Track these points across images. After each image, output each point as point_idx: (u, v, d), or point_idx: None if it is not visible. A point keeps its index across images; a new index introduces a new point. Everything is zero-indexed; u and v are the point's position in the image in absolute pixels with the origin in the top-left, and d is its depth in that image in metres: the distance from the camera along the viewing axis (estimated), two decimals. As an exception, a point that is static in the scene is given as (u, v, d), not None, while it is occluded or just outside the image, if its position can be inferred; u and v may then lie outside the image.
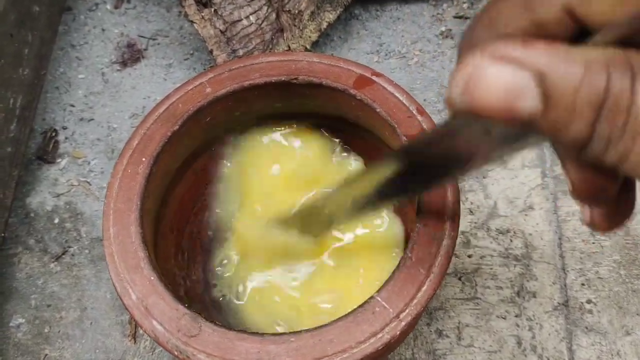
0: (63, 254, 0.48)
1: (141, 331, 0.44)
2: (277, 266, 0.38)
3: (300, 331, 0.28)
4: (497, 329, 0.43)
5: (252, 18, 0.50)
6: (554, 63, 0.15)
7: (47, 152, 0.52)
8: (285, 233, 0.38)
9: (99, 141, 0.52)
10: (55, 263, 0.47)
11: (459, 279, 0.45)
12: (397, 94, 0.35)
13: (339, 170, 0.40)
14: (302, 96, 0.38)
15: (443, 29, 0.57)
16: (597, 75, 0.15)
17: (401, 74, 0.54)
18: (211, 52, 0.50)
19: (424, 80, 0.54)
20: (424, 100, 0.53)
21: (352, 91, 0.36)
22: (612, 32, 0.16)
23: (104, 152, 0.52)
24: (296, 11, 0.51)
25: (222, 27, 0.50)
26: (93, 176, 0.51)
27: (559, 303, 0.44)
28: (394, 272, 0.30)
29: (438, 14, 0.57)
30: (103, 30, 0.58)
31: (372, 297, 0.29)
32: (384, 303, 0.29)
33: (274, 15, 0.51)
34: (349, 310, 0.29)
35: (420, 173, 0.29)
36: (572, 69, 0.15)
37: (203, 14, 0.49)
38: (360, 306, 0.29)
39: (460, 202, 0.33)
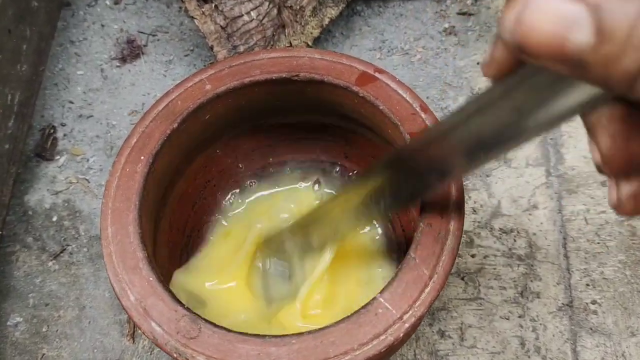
0: (61, 252, 0.47)
1: (139, 331, 0.43)
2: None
3: (302, 333, 0.28)
4: (501, 329, 0.43)
5: (253, 14, 0.49)
6: None
7: (45, 149, 0.51)
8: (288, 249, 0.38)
9: (97, 138, 0.52)
10: (54, 261, 0.47)
11: (462, 278, 0.44)
12: (400, 91, 0.35)
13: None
14: (303, 93, 0.37)
15: (446, 25, 0.56)
16: None
17: (404, 71, 0.54)
18: (212, 48, 0.49)
19: (427, 77, 0.53)
20: (427, 97, 0.52)
21: (355, 88, 0.35)
22: None
23: (102, 149, 0.51)
24: (298, 7, 0.51)
25: (222, 23, 0.49)
26: (92, 173, 0.50)
27: (563, 304, 0.43)
28: (397, 273, 0.29)
29: (441, 10, 0.57)
30: (102, 26, 0.57)
31: (374, 298, 0.29)
32: (387, 304, 0.28)
33: (275, 11, 0.50)
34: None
35: (406, 182, 0.29)
36: (629, 3, 0.14)
37: (203, 10, 0.49)
38: (362, 307, 0.29)
39: (464, 203, 0.32)
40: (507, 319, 0.43)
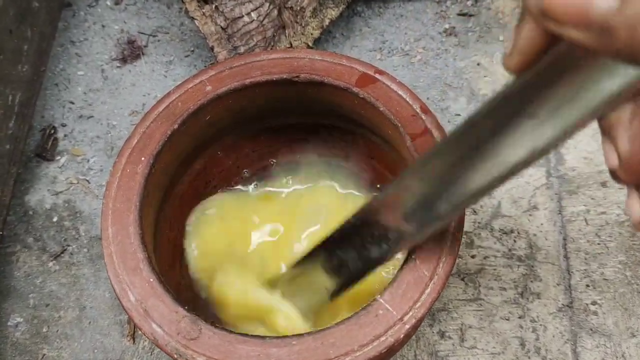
0: (62, 252, 0.47)
1: (140, 332, 0.43)
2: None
3: (303, 334, 0.28)
4: (501, 330, 0.43)
5: (253, 15, 0.49)
6: None
7: (46, 150, 0.51)
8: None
9: (98, 139, 0.52)
10: (54, 262, 0.47)
11: (462, 279, 0.44)
12: (400, 92, 0.35)
13: None
14: (303, 94, 0.37)
15: (447, 26, 0.56)
16: None
17: (404, 72, 0.54)
18: (212, 49, 0.49)
19: (427, 78, 0.53)
20: (427, 98, 0.52)
21: (355, 89, 0.35)
22: None
23: (103, 149, 0.51)
24: (298, 8, 0.51)
25: (223, 24, 0.49)
26: (92, 174, 0.50)
27: (563, 304, 0.43)
28: (397, 274, 0.29)
29: (442, 11, 0.57)
30: (103, 26, 0.57)
31: (375, 300, 0.29)
32: (387, 305, 0.28)
33: (275, 12, 0.50)
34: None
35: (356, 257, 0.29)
36: None
37: (204, 11, 0.49)
38: (363, 309, 0.29)
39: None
40: (507, 320, 0.43)
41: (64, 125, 0.53)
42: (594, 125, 0.53)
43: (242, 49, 0.50)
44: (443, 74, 0.53)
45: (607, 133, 0.20)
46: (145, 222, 0.33)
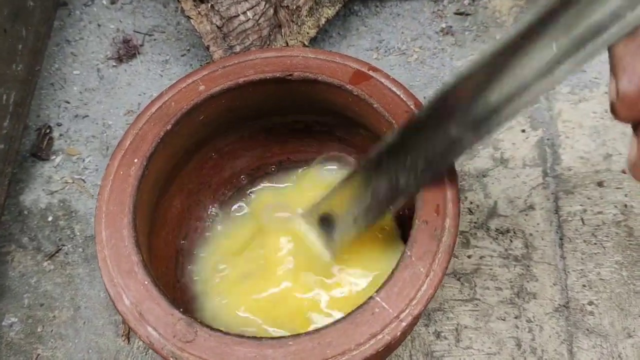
0: (57, 252, 0.47)
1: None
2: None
3: (299, 334, 0.28)
4: (497, 330, 0.42)
5: (249, 14, 0.49)
6: None
7: (41, 149, 0.51)
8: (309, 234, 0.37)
9: (93, 138, 0.52)
10: (49, 261, 0.47)
11: (458, 279, 0.44)
12: (394, 89, 0.35)
13: None
14: (297, 92, 0.37)
15: (443, 25, 0.56)
16: None
17: (401, 71, 0.54)
18: (208, 48, 0.49)
19: (424, 77, 0.53)
20: (424, 97, 0.52)
21: (349, 87, 0.35)
22: None
23: (98, 149, 0.51)
24: (294, 7, 0.51)
25: (218, 23, 0.49)
26: (87, 174, 0.50)
27: (559, 304, 0.43)
28: (393, 271, 0.29)
29: (439, 10, 0.57)
30: (99, 25, 0.57)
31: (371, 298, 0.29)
32: (383, 303, 0.28)
33: (271, 11, 0.50)
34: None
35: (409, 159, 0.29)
36: None
37: (200, 10, 0.49)
38: (359, 307, 0.28)
39: (460, 201, 0.32)
40: (503, 320, 0.43)
41: (59, 125, 0.53)
42: (590, 126, 0.52)
43: (237, 48, 0.50)
44: (440, 74, 0.53)
45: (613, 66, 0.20)
46: (139, 225, 0.33)
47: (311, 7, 0.51)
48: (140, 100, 0.53)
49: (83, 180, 0.50)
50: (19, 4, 0.48)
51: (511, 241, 0.46)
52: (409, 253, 0.30)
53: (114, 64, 0.55)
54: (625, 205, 0.46)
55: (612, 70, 0.20)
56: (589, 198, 0.47)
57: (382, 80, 0.35)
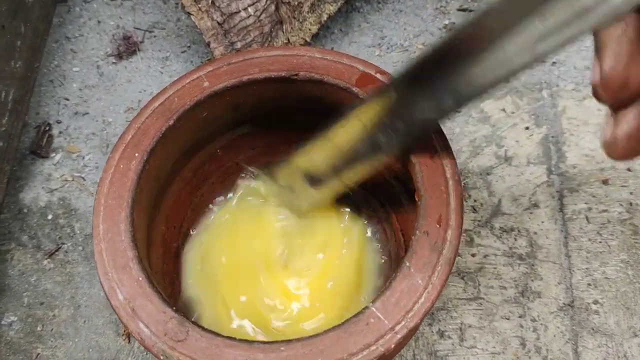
0: (56, 250, 0.47)
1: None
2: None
3: (291, 340, 0.27)
4: (501, 329, 0.42)
5: (250, 10, 0.49)
6: None
7: (40, 147, 0.51)
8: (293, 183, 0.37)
9: (93, 135, 0.51)
10: (49, 260, 0.46)
11: (462, 278, 0.44)
12: None
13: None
14: (303, 92, 0.37)
15: (447, 22, 0.55)
16: None
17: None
18: (208, 44, 0.49)
19: (427, 74, 0.53)
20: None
21: (355, 89, 0.34)
22: None
23: (98, 146, 0.51)
24: (296, 3, 0.50)
25: (219, 19, 0.48)
26: (87, 171, 0.50)
27: (564, 303, 0.43)
28: (390, 282, 0.29)
29: (442, 6, 0.56)
30: (99, 22, 0.57)
31: (367, 307, 0.28)
32: (379, 314, 0.28)
33: (273, 7, 0.49)
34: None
35: (418, 104, 0.28)
36: None
37: (200, 6, 0.48)
38: (354, 316, 0.28)
39: (464, 200, 0.32)
40: (508, 319, 0.42)
41: (59, 122, 0.52)
42: (595, 123, 0.52)
43: (238, 45, 0.49)
44: (443, 70, 0.53)
45: (597, 50, 0.20)
46: (137, 220, 0.32)
47: (313, 4, 0.51)
48: (140, 97, 0.53)
49: (83, 178, 0.50)
50: (17, 0, 0.48)
51: (515, 239, 0.45)
52: (407, 264, 0.29)
53: (114, 60, 0.55)
54: (631, 203, 0.46)
55: (596, 54, 0.21)
56: (594, 196, 0.46)
57: None
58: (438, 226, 0.30)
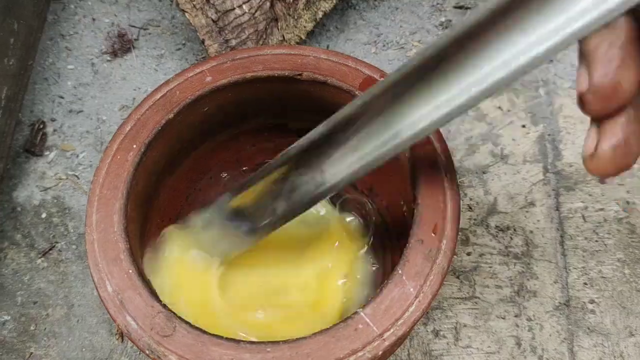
0: (50, 249, 0.46)
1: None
2: None
3: (278, 342, 0.27)
4: (496, 329, 0.42)
5: (245, 7, 0.48)
6: None
7: (34, 145, 0.50)
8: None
9: (88, 134, 0.51)
10: (42, 259, 0.46)
11: (457, 277, 0.44)
12: None
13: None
14: (306, 93, 0.37)
15: (443, 19, 0.55)
16: None
17: (399, 66, 0.53)
18: (203, 42, 0.49)
19: (423, 72, 0.52)
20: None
21: (358, 92, 0.34)
22: None
23: (92, 145, 0.51)
24: (291, 0, 0.50)
25: (214, 17, 0.48)
26: (81, 170, 0.50)
27: (560, 303, 0.42)
28: (381, 288, 0.28)
29: (438, 3, 0.56)
30: (93, 19, 0.56)
31: (356, 313, 0.28)
32: (367, 320, 0.27)
33: (268, 4, 0.49)
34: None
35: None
36: None
37: (194, 3, 0.48)
38: (342, 321, 0.28)
39: (460, 219, 0.31)
40: (503, 319, 0.42)
41: (53, 120, 0.52)
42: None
43: (233, 42, 0.49)
44: (439, 68, 0.52)
45: (585, 57, 0.19)
46: (131, 212, 0.32)
47: (308, 1, 0.50)
48: (135, 95, 0.53)
49: (77, 176, 0.49)
50: (10, -3, 0.47)
51: (511, 238, 0.45)
52: (400, 271, 0.29)
53: (109, 58, 0.54)
54: (627, 202, 0.46)
55: (583, 61, 0.20)
56: (590, 195, 0.46)
57: None
58: (433, 235, 0.30)
